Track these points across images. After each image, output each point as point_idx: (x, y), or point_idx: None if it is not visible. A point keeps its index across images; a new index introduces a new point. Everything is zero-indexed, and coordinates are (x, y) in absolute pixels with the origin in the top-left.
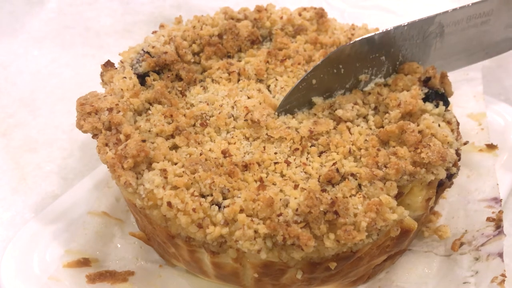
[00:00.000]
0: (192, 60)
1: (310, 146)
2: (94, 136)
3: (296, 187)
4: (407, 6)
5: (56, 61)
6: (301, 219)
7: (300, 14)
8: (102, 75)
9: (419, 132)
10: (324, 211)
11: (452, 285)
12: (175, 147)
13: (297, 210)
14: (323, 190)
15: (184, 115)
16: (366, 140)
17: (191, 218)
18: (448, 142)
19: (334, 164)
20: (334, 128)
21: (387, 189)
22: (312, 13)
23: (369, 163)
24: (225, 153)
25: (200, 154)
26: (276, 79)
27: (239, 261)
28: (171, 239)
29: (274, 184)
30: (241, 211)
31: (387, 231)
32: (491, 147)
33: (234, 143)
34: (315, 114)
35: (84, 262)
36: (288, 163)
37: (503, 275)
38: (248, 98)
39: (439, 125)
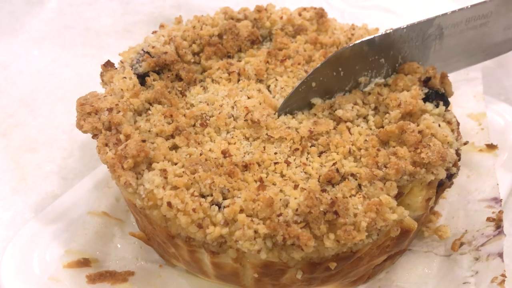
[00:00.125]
0: (192, 60)
1: (310, 146)
2: (94, 136)
3: (296, 187)
4: (407, 6)
5: (56, 61)
6: (301, 219)
7: (300, 14)
8: (102, 75)
9: (419, 132)
10: (324, 211)
11: (452, 285)
12: (175, 147)
13: (297, 210)
14: (323, 190)
15: (184, 115)
16: (366, 140)
17: (191, 218)
18: (448, 142)
19: (334, 164)
20: (334, 128)
21: (387, 189)
22: (312, 13)
23: (369, 163)
24: (225, 153)
25: (200, 154)
26: (276, 79)
27: (239, 261)
28: (171, 239)
29: (274, 184)
30: (241, 211)
31: (387, 231)
32: (491, 147)
33: (234, 143)
34: (315, 114)
35: (84, 263)
36: (288, 163)
37: (503, 275)
38: (248, 98)
39: (439, 125)
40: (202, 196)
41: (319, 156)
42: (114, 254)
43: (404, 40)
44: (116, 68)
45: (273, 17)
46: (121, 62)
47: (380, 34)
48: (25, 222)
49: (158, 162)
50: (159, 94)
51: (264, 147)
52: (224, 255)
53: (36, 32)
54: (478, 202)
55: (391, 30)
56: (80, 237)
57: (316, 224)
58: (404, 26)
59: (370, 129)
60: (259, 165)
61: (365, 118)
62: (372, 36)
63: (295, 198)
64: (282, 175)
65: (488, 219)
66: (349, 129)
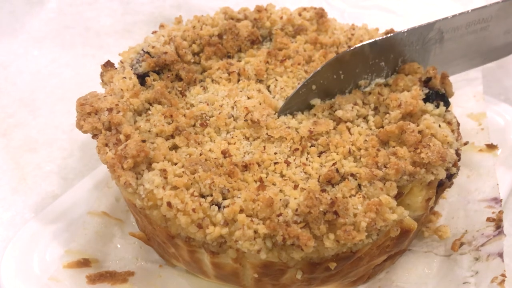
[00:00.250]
0: (192, 60)
1: (310, 146)
2: (94, 136)
3: (296, 187)
4: (407, 6)
5: (56, 61)
6: (300, 219)
7: (300, 14)
8: (102, 75)
9: (419, 132)
10: (324, 211)
11: (452, 285)
12: (175, 147)
13: (296, 210)
14: (323, 190)
15: (184, 115)
16: (366, 140)
17: (191, 218)
18: (448, 142)
19: (334, 164)
20: (334, 128)
21: (387, 189)
22: (312, 13)
23: (369, 163)
24: (225, 153)
25: (200, 154)
26: (276, 80)
27: (239, 261)
28: (171, 239)
29: (274, 184)
30: (241, 211)
31: (387, 231)
32: (491, 147)
33: (234, 143)
34: (315, 115)
35: (84, 263)
36: (288, 163)
37: (503, 275)
38: (248, 98)
39: (439, 126)
40: (202, 196)
41: (319, 156)
42: (114, 254)
43: (404, 43)
44: (116, 68)
45: (273, 17)
46: (121, 62)
47: (381, 37)
48: (25, 222)
49: (158, 162)
50: (159, 94)
51: (264, 147)
52: (224, 255)
53: (36, 32)
54: (478, 202)
55: (391, 34)
56: (80, 237)
57: (316, 224)
58: (405, 30)
59: (370, 129)
60: (259, 165)
61: (365, 118)
62: (373, 40)
63: (295, 198)
64: (282, 175)
65: (488, 219)
66: (349, 129)
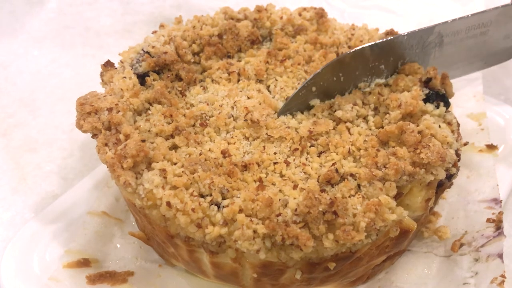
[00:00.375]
0: (192, 60)
1: (310, 146)
2: (94, 136)
3: (295, 187)
4: (407, 6)
5: (56, 61)
6: (300, 219)
7: (300, 14)
8: (102, 75)
9: (419, 132)
10: (323, 211)
11: (452, 285)
12: (174, 147)
13: (296, 210)
14: (322, 190)
15: (184, 115)
16: (365, 140)
17: (190, 218)
18: (447, 143)
19: (333, 164)
20: (334, 129)
21: (386, 190)
22: (312, 13)
23: (369, 163)
24: (224, 153)
25: (200, 154)
26: (276, 80)
27: (238, 261)
28: (171, 239)
29: (273, 184)
30: (240, 211)
31: (386, 231)
32: (491, 147)
33: (234, 143)
34: (314, 115)
35: (84, 263)
36: (287, 163)
37: (503, 276)
38: (248, 98)
39: (439, 126)
40: (202, 196)
41: (319, 156)
42: (114, 254)
43: (404, 47)
44: (116, 68)
45: (273, 17)
46: (121, 62)
47: (381, 40)
48: (25, 222)
49: (157, 162)
50: (159, 94)
51: (263, 147)
52: (223, 255)
53: (36, 32)
54: (478, 203)
55: (392, 37)
56: (80, 237)
57: (315, 224)
58: (405, 33)
59: (370, 129)
60: (259, 165)
61: (365, 118)
62: (373, 42)
63: (294, 198)
64: (282, 175)
65: (488, 220)
66: (348, 129)
